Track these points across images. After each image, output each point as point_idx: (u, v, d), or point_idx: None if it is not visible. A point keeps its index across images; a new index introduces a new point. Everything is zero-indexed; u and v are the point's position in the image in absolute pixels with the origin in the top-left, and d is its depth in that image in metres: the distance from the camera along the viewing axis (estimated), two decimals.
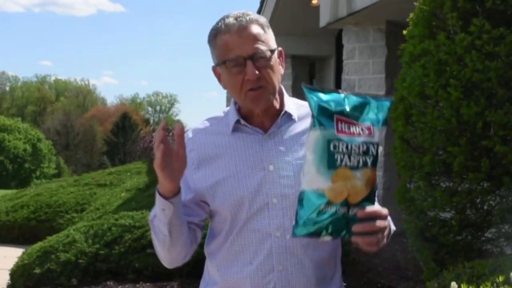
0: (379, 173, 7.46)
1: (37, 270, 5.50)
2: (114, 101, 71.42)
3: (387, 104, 1.54)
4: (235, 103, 1.81)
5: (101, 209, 9.31)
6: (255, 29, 1.71)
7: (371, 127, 1.50)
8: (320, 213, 1.46)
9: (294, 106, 1.84)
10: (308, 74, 11.78)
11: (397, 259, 5.98)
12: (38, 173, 42.41)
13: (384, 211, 1.52)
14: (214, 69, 1.79)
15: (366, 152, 1.48)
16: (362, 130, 1.49)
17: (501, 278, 2.28)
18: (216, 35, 1.72)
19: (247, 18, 1.71)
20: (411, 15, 4.32)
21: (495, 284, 2.29)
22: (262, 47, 1.69)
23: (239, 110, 1.80)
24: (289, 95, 1.87)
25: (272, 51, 1.72)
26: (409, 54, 4.23)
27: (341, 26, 8.06)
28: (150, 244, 5.39)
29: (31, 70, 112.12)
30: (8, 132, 41.98)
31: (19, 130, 42.90)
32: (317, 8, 8.48)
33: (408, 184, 4.29)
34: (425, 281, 4.10)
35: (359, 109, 1.51)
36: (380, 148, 1.51)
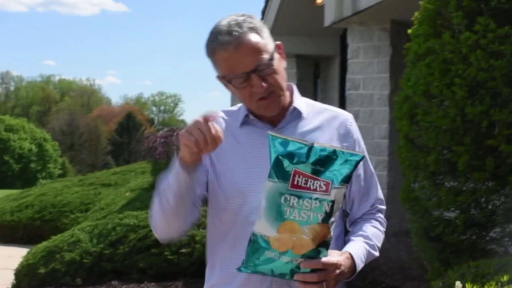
0: (384, 172, 7.44)
1: (42, 270, 5.51)
2: (119, 101, 71.65)
3: (356, 158, 1.53)
4: None
5: (106, 209, 9.30)
6: (252, 38, 1.66)
7: (330, 184, 1.50)
8: (264, 257, 1.51)
9: (304, 104, 1.86)
10: (313, 73, 11.75)
11: (402, 258, 5.98)
12: (44, 173, 42.47)
13: (333, 263, 1.54)
14: (219, 78, 1.77)
15: (318, 209, 1.49)
16: (319, 185, 1.50)
17: (505, 278, 2.27)
18: (214, 52, 1.69)
19: (241, 29, 1.66)
20: (416, 14, 4.31)
21: (499, 284, 2.29)
22: (263, 56, 1.67)
23: None
24: None
25: (272, 56, 1.70)
26: (414, 53, 4.22)
27: (345, 25, 8.06)
28: (154, 244, 5.47)
29: (35, 69, 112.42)
30: (13, 132, 42.07)
31: (24, 130, 42.96)
32: (321, 7, 8.47)
33: (413, 183, 4.29)
34: (430, 280, 4.10)
35: (323, 163, 1.51)
36: (336, 206, 1.51)
